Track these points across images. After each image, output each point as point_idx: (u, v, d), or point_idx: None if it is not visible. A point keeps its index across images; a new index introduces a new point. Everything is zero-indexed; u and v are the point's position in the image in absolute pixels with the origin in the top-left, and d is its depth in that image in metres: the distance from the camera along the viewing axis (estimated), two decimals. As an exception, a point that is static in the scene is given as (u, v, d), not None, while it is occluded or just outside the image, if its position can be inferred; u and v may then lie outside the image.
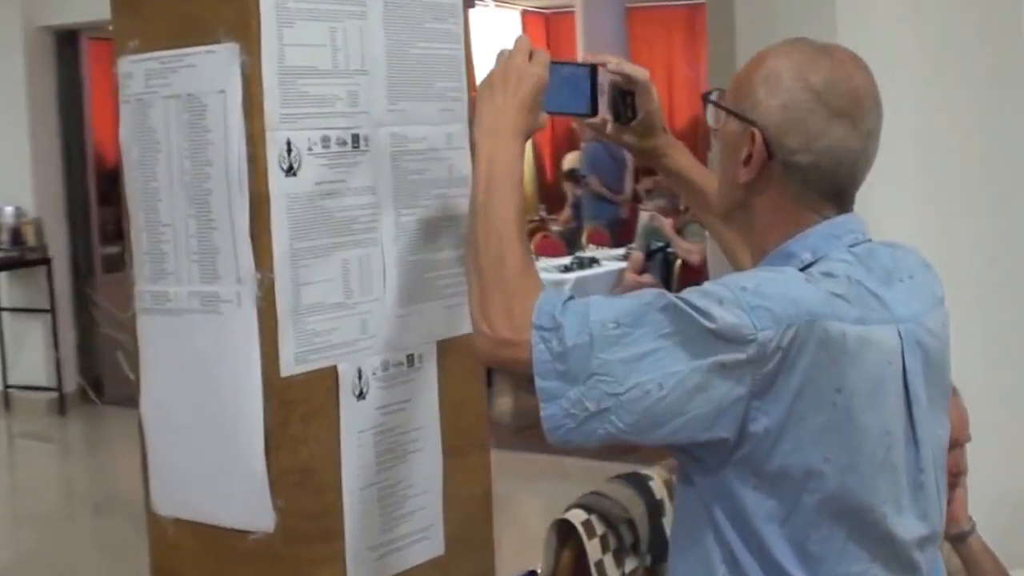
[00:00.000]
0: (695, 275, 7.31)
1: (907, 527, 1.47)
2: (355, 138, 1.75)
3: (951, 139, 2.72)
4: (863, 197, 1.53)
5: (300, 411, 1.70)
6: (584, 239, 9.49)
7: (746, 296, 1.39)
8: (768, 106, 1.48)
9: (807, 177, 1.47)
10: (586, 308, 1.42)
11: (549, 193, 15.80)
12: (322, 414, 1.73)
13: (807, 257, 1.49)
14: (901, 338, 1.46)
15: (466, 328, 1.92)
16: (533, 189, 15.98)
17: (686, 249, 7.31)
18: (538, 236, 9.53)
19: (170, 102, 1.71)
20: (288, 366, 1.68)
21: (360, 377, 1.77)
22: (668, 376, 1.38)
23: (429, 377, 1.87)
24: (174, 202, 1.72)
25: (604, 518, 2.22)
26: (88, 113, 8.34)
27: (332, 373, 1.73)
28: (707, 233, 1.81)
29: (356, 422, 1.76)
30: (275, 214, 1.66)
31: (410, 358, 1.84)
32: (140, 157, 1.75)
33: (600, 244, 9.17)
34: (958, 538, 2.13)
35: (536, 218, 11.11)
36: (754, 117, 1.49)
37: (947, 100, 2.71)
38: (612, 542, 2.21)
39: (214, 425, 1.71)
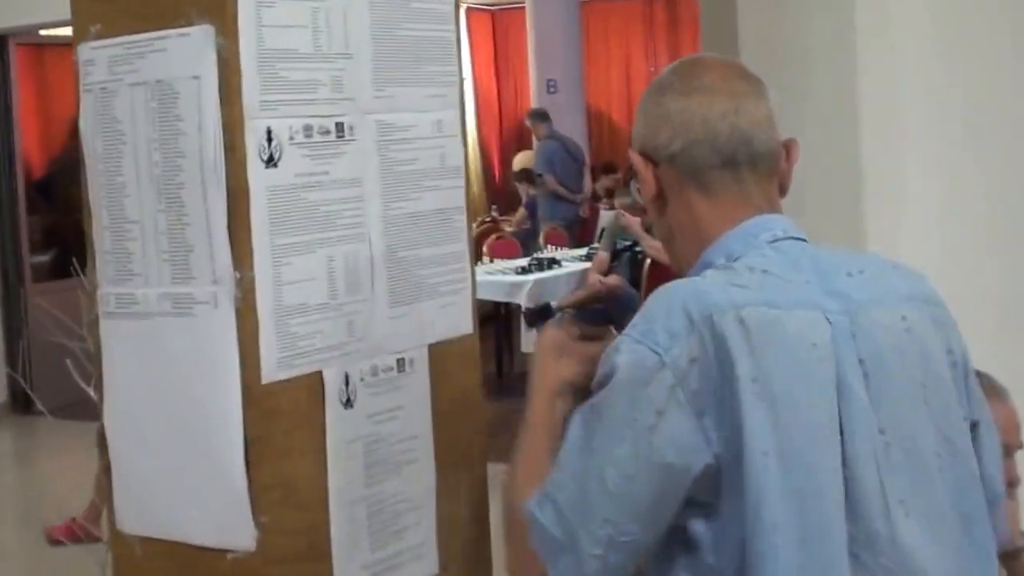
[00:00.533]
0: (665, 274, 7.26)
1: (835, 521, 1.41)
2: (339, 126, 1.68)
3: (972, 141, 2.69)
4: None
5: (283, 420, 1.63)
6: (541, 240, 9.45)
7: (637, 330, 1.40)
8: (637, 128, 1.56)
9: (693, 159, 1.50)
10: (547, 485, 1.42)
11: (498, 194, 15.79)
12: (307, 423, 1.66)
13: (722, 263, 1.48)
14: (831, 325, 1.43)
15: (461, 329, 1.87)
16: (480, 190, 15.97)
17: (656, 247, 7.27)
18: (492, 237, 9.48)
19: (137, 90, 1.64)
20: (270, 372, 1.61)
21: (347, 383, 1.70)
22: (623, 461, 1.37)
23: (421, 383, 1.80)
24: (142, 197, 1.64)
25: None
26: (16, 121, 8.22)
27: (317, 379, 1.66)
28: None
29: (343, 432, 1.69)
30: (255, 208, 1.59)
31: (400, 362, 1.77)
32: (104, 150, 1.68)
33: (559, 245, 9.14)
34: (1010, 555, 2.07)
35: (488, 219, 11.05)
36: (634, 148, 1.56)
37: (968, 102, 2.68)
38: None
39: (189, 436, 1.63)
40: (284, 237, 1.62)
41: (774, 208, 1.54)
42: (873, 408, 1.44)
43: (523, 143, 15.21)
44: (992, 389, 2.21)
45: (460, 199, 1.87)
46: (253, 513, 1.60)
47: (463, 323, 1.88)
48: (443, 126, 1.84)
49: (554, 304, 1.76)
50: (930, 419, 1.49)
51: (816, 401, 1.40)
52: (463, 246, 1.88)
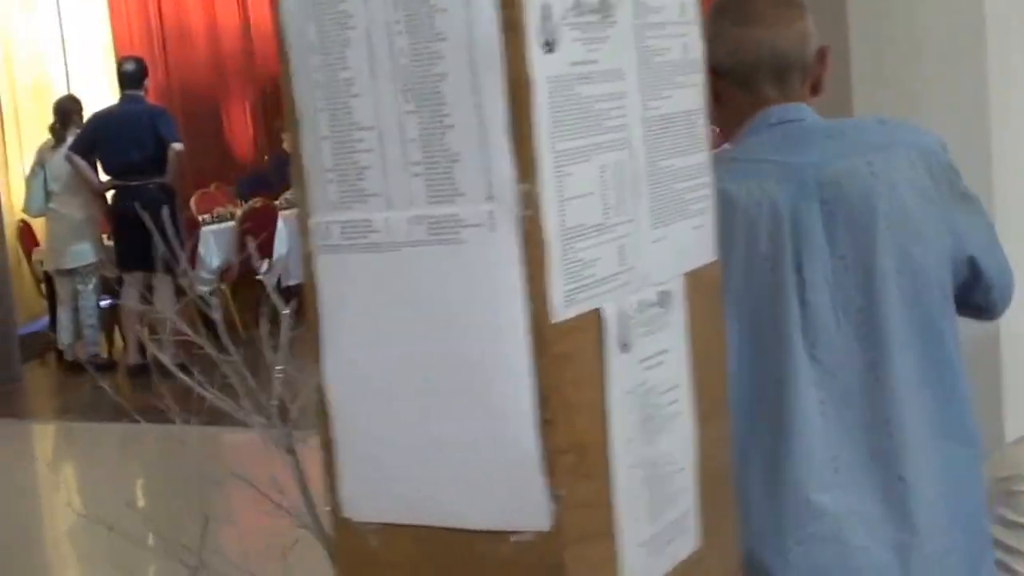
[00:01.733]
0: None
1: (791, 340, 1.96)
2: (602, 4, 1.42)
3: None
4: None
5: (572, 369, 1.37)
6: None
7: None
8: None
9: (743, 72, 2.02)
10: None
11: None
12: (591, 372, 1.40)
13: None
14: (790, 182, 1.94)
15: (708, 256, 1.64)
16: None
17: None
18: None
19: (368, -43, 1.34)
20: (559, 309, 1.34)
21: (623, 322, 1.44)
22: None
23: (681, 320, 1.55)
24: (380, 96, 1.35)
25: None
26: None
27: (595, 317, 1.40)
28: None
29: (623, 381, 1.44)
30: (537, 104, 1.32)
31: (662, 296, 1.52)
32: (320, 38, 1.38)
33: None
34: None
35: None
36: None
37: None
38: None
39: (455, 395, 1.36)
40: (563, 141, 1.35)
41: (795, 101, 2.06)
42: (836, 239, 1.94)
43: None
44: None
45: (701, 99, 1.62)
46: (548, 484, 1.33)
47: (709, 249, 1.64)
48: (685, 10, 1.58)
49: None
50: (892, 242, 1.94)
51: (763, 250, 1.94)
52: (706, 156, 1.63)
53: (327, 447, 1.44)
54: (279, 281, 9.62)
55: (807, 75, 2.09)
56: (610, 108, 1.43)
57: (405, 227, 1.35)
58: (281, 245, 10.15)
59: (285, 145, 11.65)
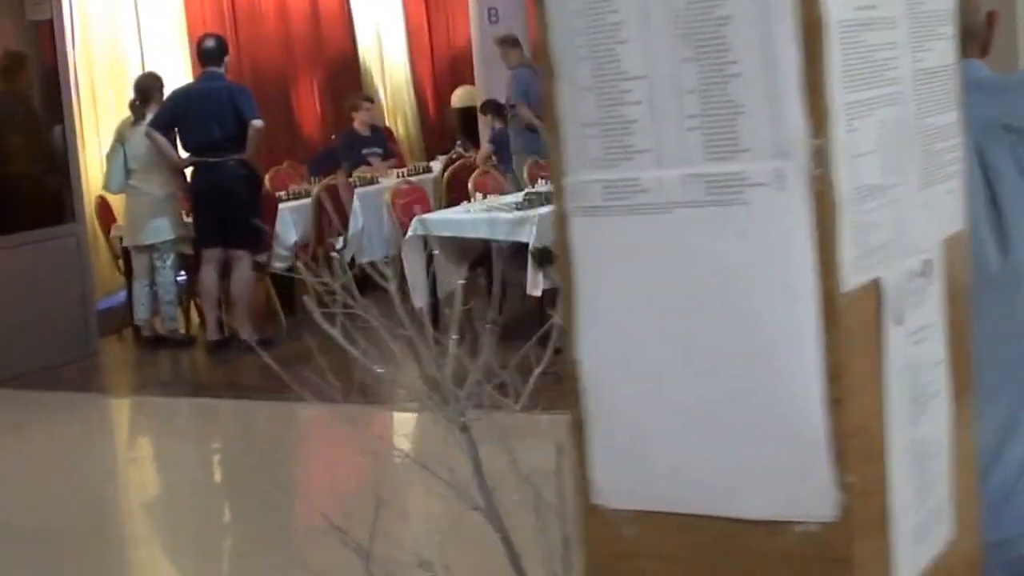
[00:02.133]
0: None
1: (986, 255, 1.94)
2: (880, -59, 1.27)
3: None
4: None
5: (858, 344, 1.22)
6: (524, 175, 9.02)
7: None
8: None
9: None
10: None
11: (432, 132, 15.31)
12: (871, 346, 1.26)
13: None
14: (980, 126, 1.88)
15: (959, 223, 1.49)
16: (417, 127, 15.47)
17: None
18: (477, 172, 9.04)
19: None
20: (848, 278, 1.20)
21: (899, 293, 1.30)
22: None
23: (941, 292, 1.41)
24: (652, 42, 1.21)
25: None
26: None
27: (874, 288, 1.26)
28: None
29: (897, 357, 1.29)
30: (830, 51, 1.17)
31: (926, 265, 1.37)
32: (585, -20, 1.24)
33: (547, 179, 8.74)
34: None
35: (457, 154, 10.61)
36: None
37: None
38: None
39: (730, 371, 1.21)
40: (852, 92, 1.21)
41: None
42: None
43: (457, 77, 14.74)
44: None
45: (954, 53, 1.48)
46: (836, 470, 1.19)
47: (960, 215, 1.49)
48: (945, -47, 1.43)
49: None
50: None
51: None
52: (959, 115, 1.48)
53: (578, 428, 1.31)
54: (353, 259, 9.53)
55: (977, 39, 2.08)
56: (888, 58, 1.28)
57: (679, 186, 1.21)
58: (355, 222, 10.05)
59: (355, 124, 11.58)
